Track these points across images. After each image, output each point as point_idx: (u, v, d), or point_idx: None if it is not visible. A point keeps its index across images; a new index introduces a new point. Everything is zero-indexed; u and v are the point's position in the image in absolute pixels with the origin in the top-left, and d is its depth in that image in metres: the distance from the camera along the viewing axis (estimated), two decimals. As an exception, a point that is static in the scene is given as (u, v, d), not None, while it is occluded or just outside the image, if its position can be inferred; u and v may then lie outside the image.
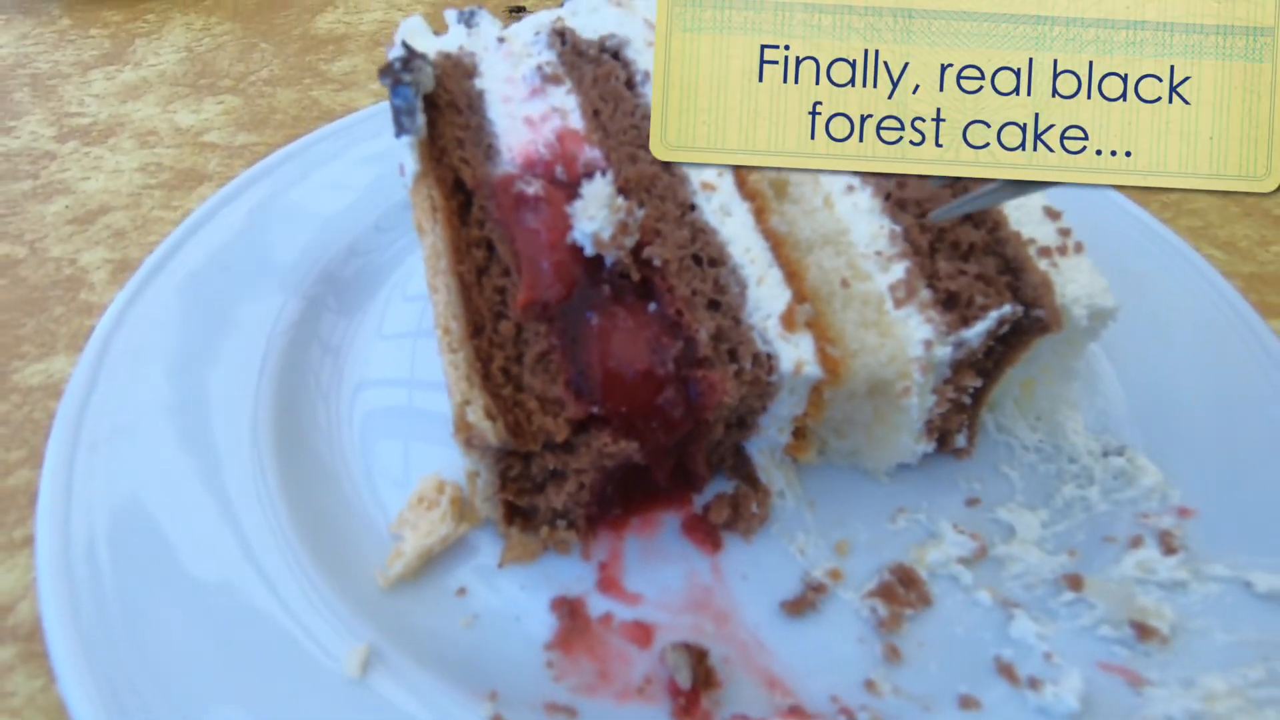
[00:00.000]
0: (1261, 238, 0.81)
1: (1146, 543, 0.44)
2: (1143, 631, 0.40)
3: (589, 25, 0.50)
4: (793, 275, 0.45)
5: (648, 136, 0.47)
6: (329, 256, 0.61)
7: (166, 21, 1.12)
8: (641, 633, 0.43)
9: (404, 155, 0.43)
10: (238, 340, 0.54)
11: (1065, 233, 0.49)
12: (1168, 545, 0.43)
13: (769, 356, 0.42)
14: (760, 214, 0.46)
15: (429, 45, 0.49)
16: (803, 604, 0.44)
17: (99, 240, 0.75)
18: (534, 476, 0.43)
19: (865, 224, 0.47)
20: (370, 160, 0.66)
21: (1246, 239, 0.81)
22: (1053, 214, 0.50)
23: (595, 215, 0.42)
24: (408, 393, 0.54)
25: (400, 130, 0.43)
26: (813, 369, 0.42)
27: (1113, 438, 0.51)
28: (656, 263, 0.43)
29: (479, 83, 0.47)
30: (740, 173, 0.47)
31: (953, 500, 0.50)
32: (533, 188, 0.43)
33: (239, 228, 0.60)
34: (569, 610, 0.44)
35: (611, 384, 0.41)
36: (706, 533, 0.47)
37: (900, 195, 0.48)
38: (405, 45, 0.44)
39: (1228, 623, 0.40)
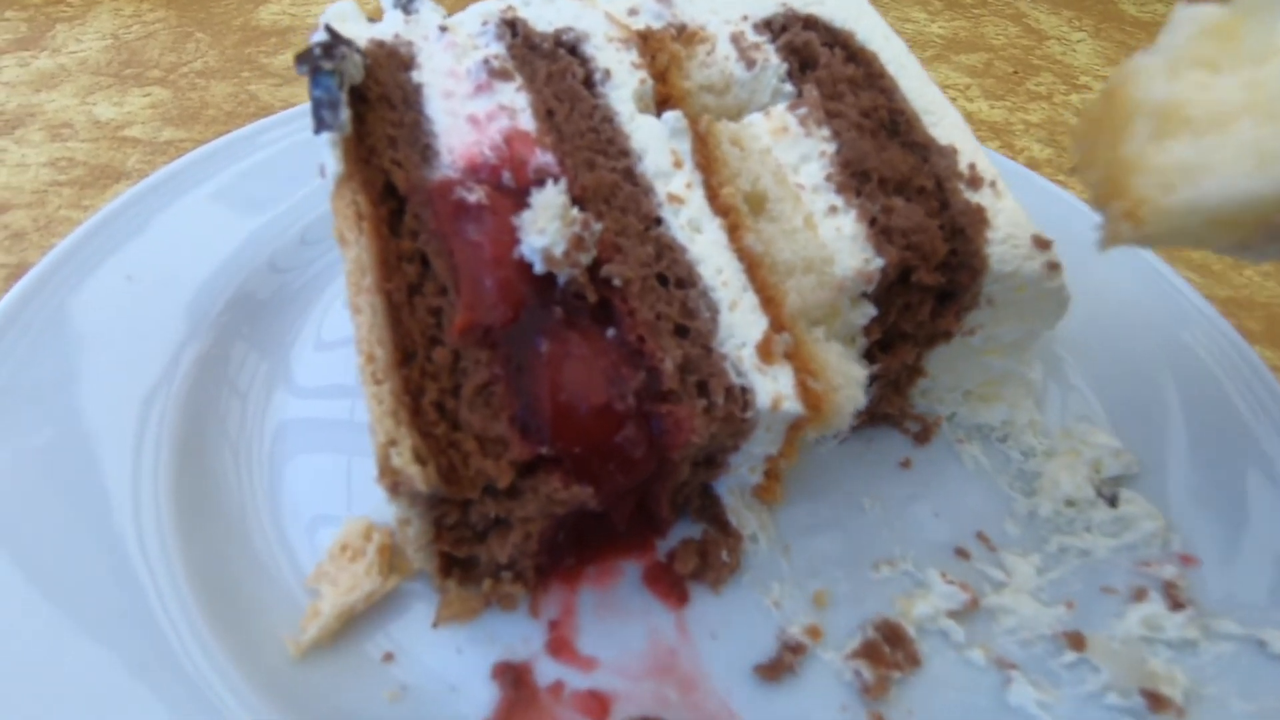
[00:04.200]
0: (1234, 260, 0.80)
1: (1151, 595, 0.40)
2: (1155, 701, 0.36)
3: (542, 17, 0.45)
4: (769, 300, 0.40)
5: (607, 141, 0.42)
6: (247, 273, 0.54)
7: (93, 6, 1.04)
8: (596, 704, 0.38)
9: (324, 155, 0.38)
10: (135, 363, 0.47)
11: (1054, 266, 0.46)
12: (1174, 599, 0.40)
13: (744, 390, 0.38)
14: (734, 231, 0.41)
15: (360, 32, 0.43)
16: (779, 667, 0.39)
17: (-5, 242, 0.67)
18: (474, 525, 0.38)
19: (849, 254, 0.42)
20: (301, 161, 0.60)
21: (1221, 261, 0.80)
22: (1041, 243, 0.46)
23: (546, 228, 0.36)
24: (332, 424, 0.48)
25: (320, 125, 0.37)
26: (792, 405, 0.38)
27: (1104, 478, 0.47)
28: (616, 283, 0.38)
29: (416, 75, 0.42)
30: (712, 185, 0.42)
31: (939, 546, 0.46)
32: (475, 195, 0.38)
33: (146, 236, 0.54)
34: (513, 678, 0.38)
35: (563, 420, 0.36)
36: (671, 584, 0.42)
37: (886, 223, 0.44)
38: (329, 29, 0.39)
39: (1244, 689, 0.37)
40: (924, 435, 0.52)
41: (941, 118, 0.49)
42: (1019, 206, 0.48)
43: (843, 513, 0.47)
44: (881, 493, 0.49)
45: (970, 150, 0.48)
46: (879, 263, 0.43)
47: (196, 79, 0.91)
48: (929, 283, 0.45)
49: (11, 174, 0.75)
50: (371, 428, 0.35)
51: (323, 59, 0.38)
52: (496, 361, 0.37)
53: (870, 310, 0.45)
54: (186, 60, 0.95)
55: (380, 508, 0.43)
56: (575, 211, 0.37)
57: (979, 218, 0.46)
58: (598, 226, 0.38)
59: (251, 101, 0.88)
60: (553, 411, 0.36)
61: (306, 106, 0.75)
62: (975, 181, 0.47)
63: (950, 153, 0.47)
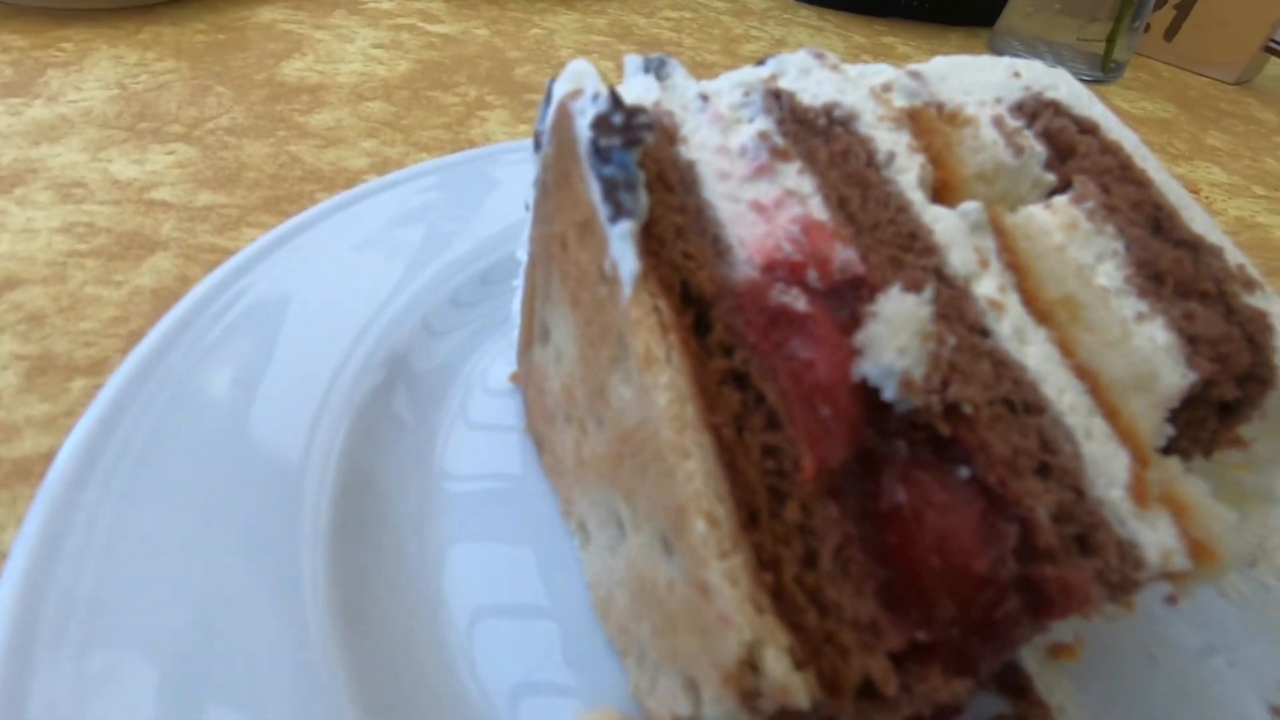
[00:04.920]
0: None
1: None
2: None
3: (805, 89, 0.38)
4: (1120, 429, 0.34)
5: (909, 236, 0.36)
6: (390, 350, 0.45)
7: (89, 53, 0.92)
8: None
9: (617, 248, 0.29)
10: (262, 506, 0.36)
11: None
12: None
13: (1131, 545, 0.30)
14: (1063, 344, 0.35)
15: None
16: None
17: (3, 326, 0.54)
18: (803, 733, 0.29)
19: (1169, 368, 0.37)
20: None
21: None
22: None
23: (907, 347, 0.29)
24: (539, 584, 0.38)
25: (618, 213, 0.29)
26: (1182, 560, 0.31)
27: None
28: (966, 410, 0.31)
29: (685, 152, 0.34)
30: (1026, 288, 0.36)
31: (1252, 708, 0.39)
32: (800, 301, 0.30)
33: (253, 328, 0.43)
34: None
35: (941, 593, 0.28)
36: (999, 783, 0.34)
37: (1192, 331, 0.38)
38: (614, 94, 0.31)
39: None
40: (1175, 563, 0.46)
41: (1194, 213, 0.45)
42: (1291, 311, 0.44)
43: (1136, 668, 0.40)
44: (1165, 638, 0.42)
45: (1230, 248, 0.44)
46: (1193, 377, 0.38)
47: (226, 136, 0.81)
48: (1227, 398, 0.40)
49: (17, 241, 0.62)
50: (715, 619, 0.26)
51: (629, 129, 0.30)
52: (847, 517, 0.29)
53: (1170, 431, 0.39)
54: (210, 115, 0.84)
55: (610, 686, 0.33)
56: (932, 325, 0.30)
57: (1264, 324, 0.42)
58: (954, 341, 0.31)
59: (295, 164, 0.78)
60: (927, 582, 0.28)
61: (420, 166, 0.66)
62: (1249, 284, 0.43)
63: (1220, 252, 0.43)
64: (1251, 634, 0.43)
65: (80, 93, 0.84)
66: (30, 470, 0.44)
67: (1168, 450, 0.42)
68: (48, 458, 0.44)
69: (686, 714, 0.30)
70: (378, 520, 0.39)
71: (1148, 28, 1.60)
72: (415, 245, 0.54)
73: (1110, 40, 1.40)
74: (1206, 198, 1.13)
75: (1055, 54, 1.44)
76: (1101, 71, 1.45)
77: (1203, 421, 0.42)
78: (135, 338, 0.53)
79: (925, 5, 1.55)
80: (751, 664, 0.25)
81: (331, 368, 0.44)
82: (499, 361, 0.52)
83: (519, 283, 0.45)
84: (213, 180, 0.73)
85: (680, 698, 0.30)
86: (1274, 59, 1.66)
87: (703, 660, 0.27)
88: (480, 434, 0.47)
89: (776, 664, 0.24)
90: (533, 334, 0.44)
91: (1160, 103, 1.46)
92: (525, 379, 0.47)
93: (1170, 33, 1.61)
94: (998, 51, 1.47)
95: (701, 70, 1.24)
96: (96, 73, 0.88)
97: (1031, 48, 1.44)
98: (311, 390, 0.43)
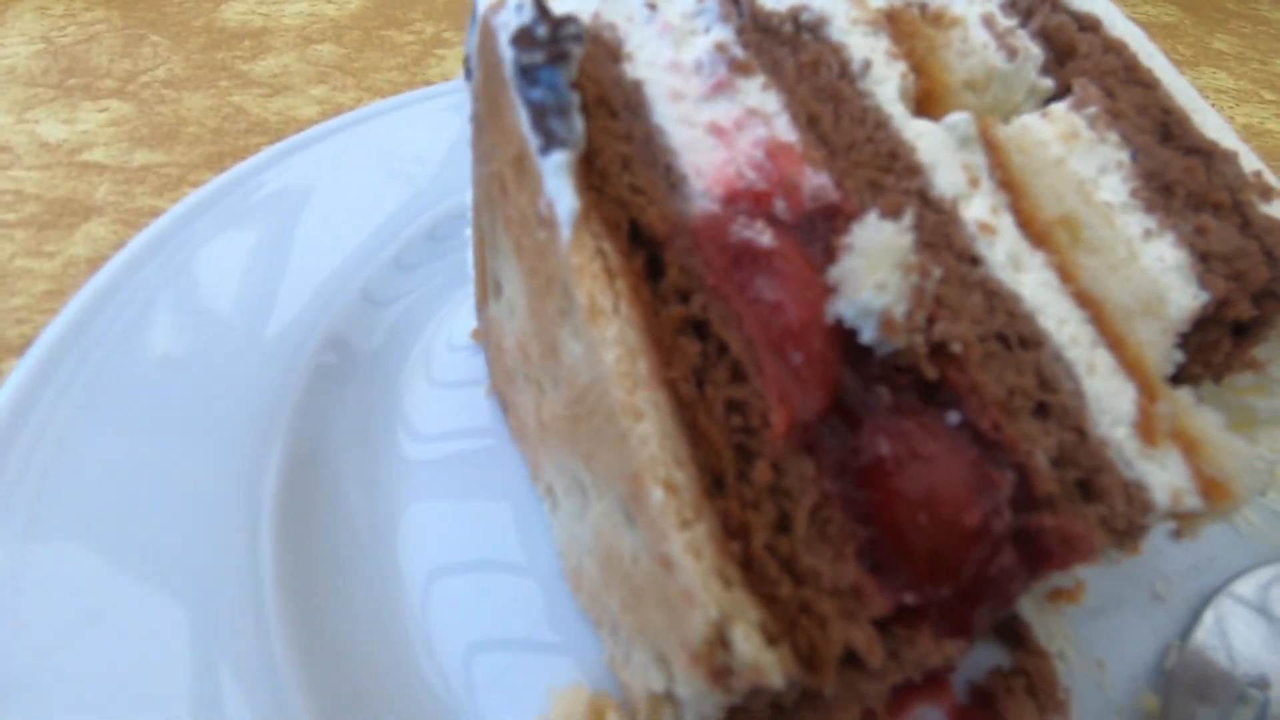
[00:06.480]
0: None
1: None
2: None
3: (768, -9, 0.34)
4: (1126, 360, 0.31)
5: (889, 155, 0.32)
6: (334, 316, 0.42)
7: (10, 6, 0.85)
8: None
9: (552, 185, 0.26)
10: (201, 477, 0.33)
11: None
12: None
13: (1138, 487, 0.28)
14: (1063, 270, 0.31)
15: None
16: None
17: (-71, 308, 0.50)
18: (783, 706, 0.27)
19: (1180, 290, 0.33)
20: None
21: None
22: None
23: (886, 281, 0.26)
24: (506, 530, 0.36)
25: (550, 143, 0.25)
26: (1193, 500, 0.28)
27: None
28: (955, 349, 0.28)
29: (631, 70, 0.30)
30: (1022, 208, 0.32)
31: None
32: (765, 236, 0.27)
33: (196, 282, 0.40)
34: None
35: (929, 551, 0.25)
36: (997, 737, 0.32)
37: (1205, 248, 0.35)
38: (539, 3, 0.26)
39: None
40: (1181, 494, 0.44)
41: (1207, 116, 0.41)
42: (1311, 221, 0.40)
43: (1141, 608, 0.38)
44: (1167, 572, 0.40)
45: (1246, 154, 0.40)
46: (1205, 297, 0.34)
47: (163, 89, 0.75)
48: (1243, 318, 0.37)
49: (-61, 214, 0.57)
50: (677, 593, 0.23)
51: (552, 42, 0.25)
52: (824, 474, 0.26)
53: (1178, 357, 0.36)
54: (145, 68, 0.78)
55: (581, 663, 0.31)
56: (914, 256, 0.26)
57: (1281, 236, 0.38)
58: (939, 273, 0.27)
59: (239, 115, 0.73)
60: (915, 540, 0.25)
61: (362, 110, 0.62)
62: (1266, 193, 0.39)
63: (1234, 158, 0.39)
64: (1263, 563, 0.41)
65: (2, 49, 0.78)
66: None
67: (1176, 378, 0.39)
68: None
69: (660, 689, 0.28)
70: (330, 486, 0.37)
71: (1150, -77, 1.50)
72: (381, 187, 0.50)
73: (1110, -62, 1.31)
74: (1213, 105, 1.07)
75: (1052, -43, 1.35)
76: (1101, -26, 1.36)
77: (1215, 344, 0.39)
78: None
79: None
80: (721, 642, 0.23)
81: (289, 316, 0.41)
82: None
83: (470, 232, 0.41)
84: (150, 138, 0.68)
85: (653, 672, 0.27)
86: (1283, -49, 1.56)
87: (671, 638, 0.25)
88: (445, 391, 0.45)
89: (746, 642, 0.22)
90: (487, 287, 0.40)
91: (1164, 6, 1.38)
92: (486, 336, 0.44)
93: (1174, -72, 1.51)
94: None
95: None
96: (19, 26, 0.82)
97: (1026, -49, 1.35)
98: (269, 343, 0.40)
